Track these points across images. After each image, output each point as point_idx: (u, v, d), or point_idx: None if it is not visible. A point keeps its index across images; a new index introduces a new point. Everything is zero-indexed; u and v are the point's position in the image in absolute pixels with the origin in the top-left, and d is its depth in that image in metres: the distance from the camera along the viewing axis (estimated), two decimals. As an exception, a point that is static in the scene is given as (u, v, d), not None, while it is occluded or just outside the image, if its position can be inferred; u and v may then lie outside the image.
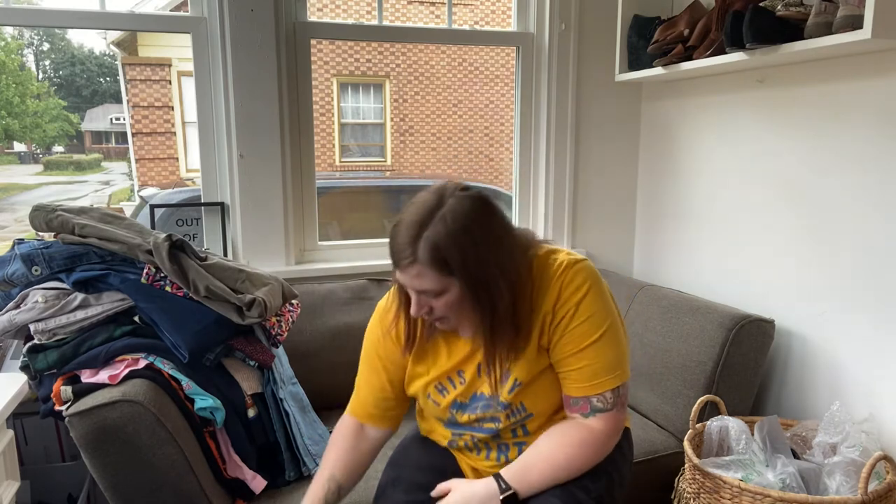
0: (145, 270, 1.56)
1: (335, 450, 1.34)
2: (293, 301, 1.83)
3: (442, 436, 1.36)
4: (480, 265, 1.10)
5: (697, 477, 1.57)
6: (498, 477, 1.19)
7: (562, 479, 1.19)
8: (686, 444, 1.63)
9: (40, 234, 1.63)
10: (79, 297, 1.52)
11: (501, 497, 1.16)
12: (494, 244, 1.12)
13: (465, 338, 1.26)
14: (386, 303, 1.35)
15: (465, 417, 1.28)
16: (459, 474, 1.35)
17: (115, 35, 9.50)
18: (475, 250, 1.09)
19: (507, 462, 1.26)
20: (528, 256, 1.21)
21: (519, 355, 1.21)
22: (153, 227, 2.06)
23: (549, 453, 1.20)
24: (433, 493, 1.22)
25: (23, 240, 1.63)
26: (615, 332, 1.21)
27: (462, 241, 1.08)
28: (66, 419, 1.34)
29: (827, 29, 1.54)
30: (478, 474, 1.33)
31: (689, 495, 1.61)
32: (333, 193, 4.74)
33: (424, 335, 1.28)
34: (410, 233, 1.09)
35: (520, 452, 1.27)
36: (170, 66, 9.78)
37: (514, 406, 1.24)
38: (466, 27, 7.14)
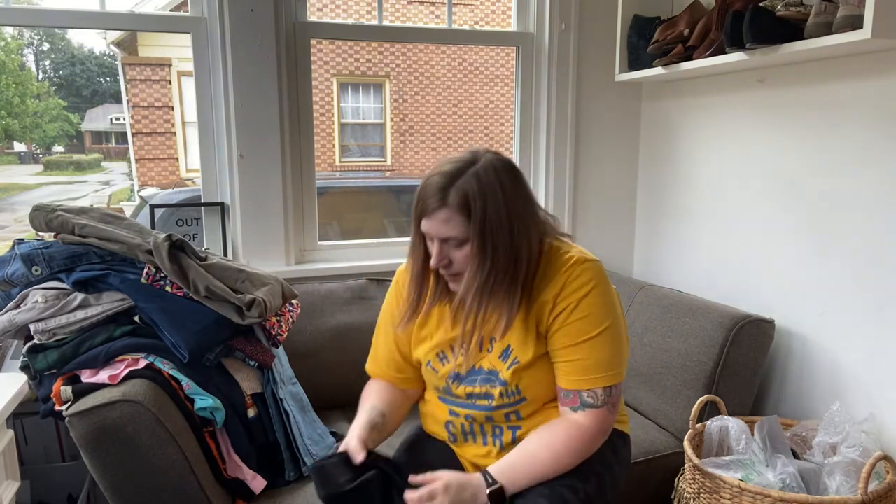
0: (145, 270, 1.56)
1: (371, 392, 1.39)
2: (293, 301, 1.83)
3: (439, 418, 1.37)
4: (499, 224, 1.15)
5: (697, 477, 1.57)
6: (485, 473, 1.20)
7: (549, 475, 1.20)
8: (686, 444, 1.63)
9: (40, 234, 1.63)
10: (79, 297, 1.52)
11: (488, 491, 1.16)
12: (519, 209, 1.18)
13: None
14: (404, 266, 1.39)
15: (460, 390, 1.30)
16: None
17: (115, 35, 9.50)
18: (498, 209, 1.14)
19: (503, 449, 1.28)
20: (542, 239, 1.24)
21: (505, 331, 1.22)
22: (153, 227, 2.06)
23: (535, 451, 1.21)
24: (412, 479, 1.18)
25: (23, 240, 1.63)
26: (615, 332, 1.22)
27: (491, 197, 1.14)
28: (66, 419, 1.34)
29: (827, 29, 1.54)
30: (477, 469, 1.33)
31: (689, 495, 1.61)
32: (333, 193, 4.74)
33: (432, 298, 1.30)
34: (444, 181, 1.15)
35: (513, 437, 1.29)
36: (170, 66, 9.78)
37: (510, 386, 1.25)
38: (466, 27, 7.14)
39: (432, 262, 1.20)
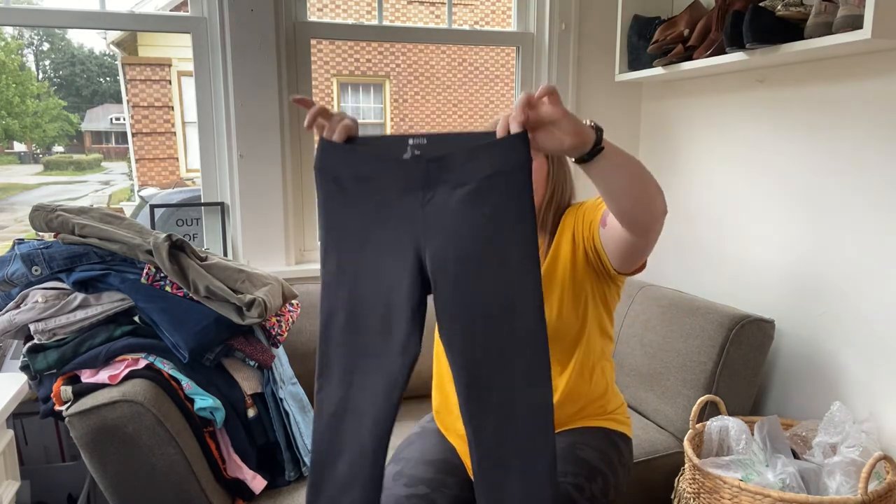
0: (145, 270, 1.56)
1: None
2: (293, 301, 1.83)
3: (455, 403, 1.36)
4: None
5: (697, 477, 1.57)
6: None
7: (635, 174, 1.07)
8: (686, 444, 1.63)
9: (40, 234, 1.63)
10: (79, 297, 1.52)
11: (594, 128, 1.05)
12: None
13: None
14: None
15: None
16: (462, 468, 1.35)
17: (115, 35, 9.51)
18: None
19: None
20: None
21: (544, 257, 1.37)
22: (153, 227, 2.06)
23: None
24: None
25: (23, 240, 1.63)
26: None
27: None
28: (66, 419, 1.34)
29: (827, 29, 1.54)
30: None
31: (689, 495, 1.61)
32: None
33: None
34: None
35: None
36: (170, 66, 9.79)
37: None
38: (466, 27, 7.14)
39: None
